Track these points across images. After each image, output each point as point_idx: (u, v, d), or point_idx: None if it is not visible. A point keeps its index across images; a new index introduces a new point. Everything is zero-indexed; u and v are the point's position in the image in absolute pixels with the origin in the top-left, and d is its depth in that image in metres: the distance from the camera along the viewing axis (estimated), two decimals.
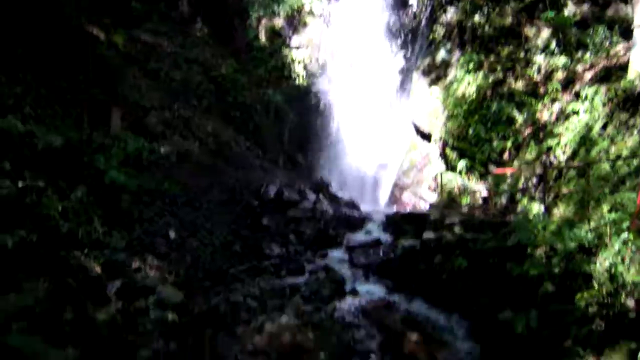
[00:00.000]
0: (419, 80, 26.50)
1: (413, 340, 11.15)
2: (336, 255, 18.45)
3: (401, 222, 19.04)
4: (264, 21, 32.15)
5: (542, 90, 19.90)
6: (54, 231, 8.51)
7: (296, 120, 31.09)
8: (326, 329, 12.09)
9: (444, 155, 23.36)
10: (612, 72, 17.05)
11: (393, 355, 11.14)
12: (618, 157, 12.95)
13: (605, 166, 13.45)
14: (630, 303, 8.10)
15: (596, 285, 8.73)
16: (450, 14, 25.73)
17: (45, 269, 8.29)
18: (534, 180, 17.40)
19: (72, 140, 12.98)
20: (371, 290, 15.27)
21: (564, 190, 14.74)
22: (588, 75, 18.01)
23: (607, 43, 19.79)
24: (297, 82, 31.44)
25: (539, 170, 16.97)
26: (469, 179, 21.33)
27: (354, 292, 14.85)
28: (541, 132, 18.57)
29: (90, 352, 8.82)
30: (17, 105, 15.22)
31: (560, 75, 19.59)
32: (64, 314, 8.23)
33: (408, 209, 23.49)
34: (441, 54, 25.74)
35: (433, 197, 22.91)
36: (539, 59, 21.12)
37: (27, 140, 10.98)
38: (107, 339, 9.49)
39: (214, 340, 11.55)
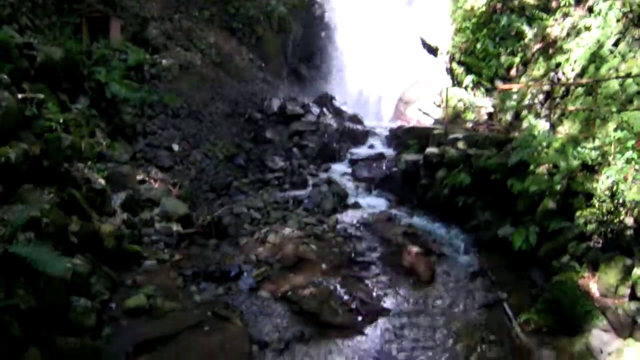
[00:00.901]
0: None
1: (413, 253, 11.36)
2: (339, 168, 18.56)
3: (404, 137, 18.97)
4: None
5: (554, 4, 19.21)
6: (56, 144, 8.46)
7: (300, 32, 30.32)
8: (328, 240, 12.32)
9: (450, 70, 22.96)
10: None
11: (393, 267, 11.39)
12: (628, 75, 12.69)
13: (614, 84, 13.21)
14: (629, 221, 8.18)
15: (596, 203, 8.79)
16: None
17: (49, 182, 8.34)
18: (541, 97, 17.16)
19: (71, 52, 12.69)
20: (373, 203, 15.47)
21: (571, 107, 14.56)
22: None
23: None
24: None
25: (546, 87, 16.71)
26: (474, 94, 21.06)
27: (356, 205, 15.04)
28: (550, 48, 18.11)
29: (97, 262, 9.03)
30: (13, 16, 14.83)
31: None
32: (70, 226, 8.35)
33: (412, 123, 23.34)
34: None
35: (437, 113, 22.71)
36: None
37: (25, 52, 10.76)
38: (113, 250, 9.69)
39: (218, 250, 11.80)
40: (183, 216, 12.57)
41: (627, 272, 7.87)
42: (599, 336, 7.59)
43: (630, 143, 8.74)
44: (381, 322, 9.55)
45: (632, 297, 7.70)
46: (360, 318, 9.54)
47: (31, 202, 7.33)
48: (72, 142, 9.22)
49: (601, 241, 8.73)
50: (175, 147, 16.25)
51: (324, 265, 11.18)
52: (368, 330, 9.28)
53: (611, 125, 10.34)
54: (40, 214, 7.27)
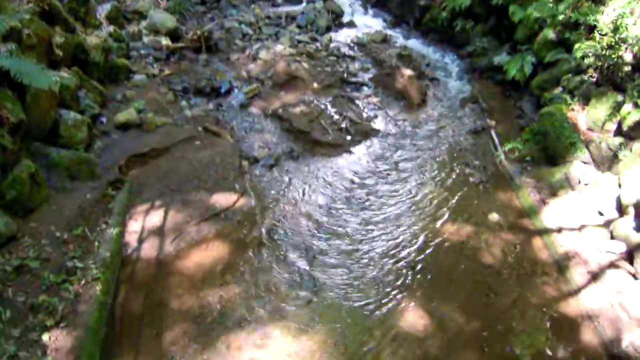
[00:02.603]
0: None
1: (406, 76, 11.24)
2: None
3: None
4: None
5: None
6: None
7: None
8: (321, 59, 12.12)
9: None
10: None
11: (385, 89, 11.36)
12: None
13: None
14: (628, 57, 7.99)
15: (597, 37, 8.52)
16: None
17: None
18: None
19: None
20: (369, 23, 14.99)
21: None
22: None
23: None
24: None
25: None
26: None
27: (351, 24, 14.58)
28: None
29: (85, 76, 8.88)
30: None
31: None
32: (53, 38, 8.02)
33: None
34: None
35: None
36: None
37: None
38: (100, 64, 9.50)
39: (209, 66, 11.61)
40: (172, 30, 12.13)
41: (617, 107, 7.89)
42: (579, 168, 7.81)
43: None
44: (369, 142, 9.74)
45: (618, 132, 7.81)
46: (349, 137, 9.70)
47: (9, 12, 6.94)
48: None
49: (596, 76, 8.63)
50: None
51: (315, 84, 11.11)
52: (356, 149, 9.50)
53: None
54: (21, 25, 6.92)
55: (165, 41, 11.75)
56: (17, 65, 6.03)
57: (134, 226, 6.98)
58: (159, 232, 6.92)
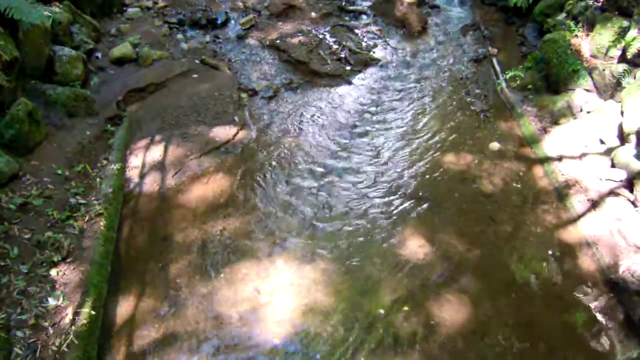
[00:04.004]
0: None
1: (406, 3, 10.99)
2: None
3: None
4: None
5: None
6: None
7: None
8: None
9: None
10: None
11: (385, 17, 11.17)
12: None
13: None
14: None
15: None
16: None
17: None
18: None
19: None
20: None
21: None
22: None
23: None
24: None
25: None
26: None
27: None
28: None
29: (77, 10, 8.66)
30: None
31: None
32: None
33: None
34: None
35: None
36: None
37: None
38: None
39: None
40: None
41: (622, 33, 7.68)
42: (581, 95, 7.71)
43: None
44: (369, 71, 9.64)
45: (622, 59, 7.65)
46: (348, 67, 9.60)
47: None
48: None
49: (601, 0, 8.39)
50: None
51: (313, 14, 10.91)
52: (356, 79, 9.42)
53: None
54: None
55: None
56: (6, 0, 5.87)
57: (135, 161, 6.99)
58: (160, 166, 6.94)
